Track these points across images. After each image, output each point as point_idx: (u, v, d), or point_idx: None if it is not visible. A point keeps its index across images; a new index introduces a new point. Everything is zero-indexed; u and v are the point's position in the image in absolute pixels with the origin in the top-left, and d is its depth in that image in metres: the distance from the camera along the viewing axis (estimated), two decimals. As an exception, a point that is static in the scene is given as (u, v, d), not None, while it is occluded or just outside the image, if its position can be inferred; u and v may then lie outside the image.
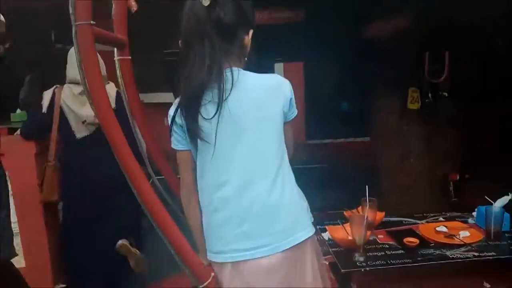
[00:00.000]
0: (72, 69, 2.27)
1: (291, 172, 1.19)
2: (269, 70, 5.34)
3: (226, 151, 1.09)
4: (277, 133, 1.13)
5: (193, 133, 1.06)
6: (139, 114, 1.59)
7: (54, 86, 2.37)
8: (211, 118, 1.04)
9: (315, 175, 3.41)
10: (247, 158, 1.09)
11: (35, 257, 2.40)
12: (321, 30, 2.89)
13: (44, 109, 2.32)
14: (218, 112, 1.03)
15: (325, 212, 2.10)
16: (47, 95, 2.35)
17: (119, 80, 1.53)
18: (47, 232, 2.42)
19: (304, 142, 4.99)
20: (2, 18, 1.82)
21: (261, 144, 1.10)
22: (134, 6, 1.91)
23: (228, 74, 1.06)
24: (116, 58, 1.48)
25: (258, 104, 1.09)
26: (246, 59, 1.16)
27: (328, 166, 4.15)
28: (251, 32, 1.13)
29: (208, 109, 1.05)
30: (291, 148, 1.21)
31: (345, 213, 2.03)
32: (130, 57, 1.54)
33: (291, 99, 1.15)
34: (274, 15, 3.01)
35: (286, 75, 5.59)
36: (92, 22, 1.04)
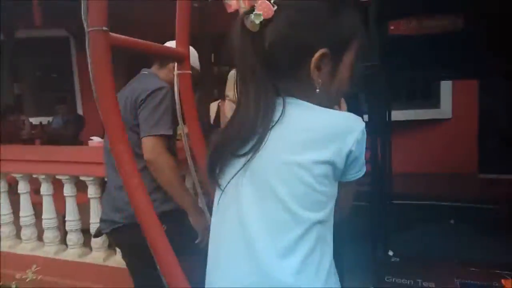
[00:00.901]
0: (230, 91, 2.39)
1: (327, 250, 0.79)
2: (435, 89, 4.70)
3: (229, 202, 0.82)
4: (307, 192, 0.75)
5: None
6: (196, 135, 1.42)
7: (218, 101, 2.57)
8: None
9: (484, 217, 2.98)
10: (255, 217, 0.78)
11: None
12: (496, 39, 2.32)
13: (212, 120, 2.56)
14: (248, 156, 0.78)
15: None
16: (213, 108, 2.58)
17: (176, 95, 1.41)
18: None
19: (475, 175, 4.19)
20: (197, 64, 1.89)
21: (276, 201, 0.76)
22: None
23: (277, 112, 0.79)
24: (175, 72, 1.38)
25: (292, 148, 0.77)
26: (327, 89, 0.83)
27: (502, 207, 3.38)
28: (323, 50, 0.79)
29: None
30: (345, 208, 0.88)
31: (503, 281, 1.50)
32: (190, 72, 1.38)
33: (350, 152, 0.76)
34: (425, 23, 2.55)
35: (455, 96, 4.85)
36: (105, 28, 0.93)
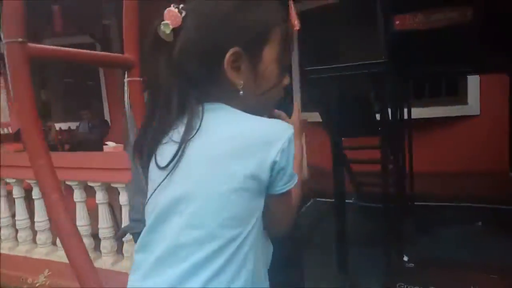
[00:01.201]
0: None
1: (244, 267, 0.71)
2: (462, 85, 4.47)
3: (160, 214, 0.75)
4: (224, 207, 0.70)
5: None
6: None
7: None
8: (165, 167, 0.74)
9: (515, 220, 2.76)
10: (179, 227, 0.72)
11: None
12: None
13: None
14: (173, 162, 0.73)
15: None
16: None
17: (126, 102, 1.31)
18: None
19: (506, 174, 3.93)
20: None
21: (197, 211, 0.71)
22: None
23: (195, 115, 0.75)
24: (126, 79, 1.27)
25: (211, 160, 0.72)
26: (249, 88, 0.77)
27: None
28: (234, 49, 0.73)
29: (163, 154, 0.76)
30: (279, 223, 0.80)
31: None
32: (140, 79, 1.30)
33: (275, 163, 0.70)
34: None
35: (483, 91, 4.60)
36: (21, 39, 0.88)
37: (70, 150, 5.60)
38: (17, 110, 0.89)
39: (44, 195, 0.95)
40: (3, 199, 2.91)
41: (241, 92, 0.75)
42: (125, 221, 2.45)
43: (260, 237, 0.75)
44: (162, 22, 0.73)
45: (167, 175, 0.72)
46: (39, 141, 0.93)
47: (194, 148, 0.72)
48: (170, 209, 0.71)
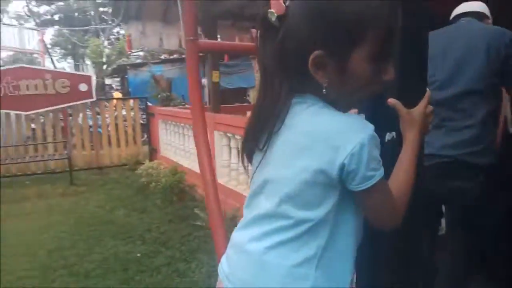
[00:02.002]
0: None
1: (315, 248, 0.78)
2: None
3: (255, 190, 0.88)
4: (300, 192, 0.78)
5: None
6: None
7: None
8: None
9: None
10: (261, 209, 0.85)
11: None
12: None
13: None
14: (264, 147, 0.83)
15: None
16: None
17: None
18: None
19: None
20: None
21: (275, 194, 0.81)
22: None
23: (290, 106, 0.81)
24: None
25: (290, 150, 0.80)
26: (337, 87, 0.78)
27: None
28: (317, 52, 0.75)
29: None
30: (375, 217, 0.81)
31: None
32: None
33: (343, 165, 0.73)
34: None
35: None
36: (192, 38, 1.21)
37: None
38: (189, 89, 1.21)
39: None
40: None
41: (324, 91, 0.77)
42: None
43: (342, 235, 0.79)
44: (268, 10, 0.78)
45: (261, 158, 0.84)
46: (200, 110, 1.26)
47: (279, 138, 0.80)
48: (260, 188, 0.85)
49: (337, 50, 0.75)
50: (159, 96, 8.31)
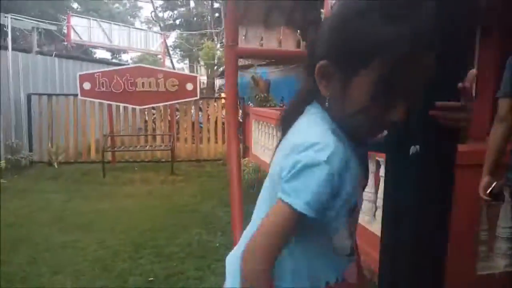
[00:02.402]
0: None
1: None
2: None
3: None
4: (268, 198, 0.85)
5: None
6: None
7: None
8: None
9: None
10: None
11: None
12: None
13: None
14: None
15: None
16: None
17: None
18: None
19: None
20: None
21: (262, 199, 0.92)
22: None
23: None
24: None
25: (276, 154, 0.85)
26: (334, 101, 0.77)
27: None
28: (322, 62, 0.75)
29: None
30: (252, 237, 0.77)
31: None
32: None
33: (283, 171, 0.74)
34: None
35: None
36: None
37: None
38: (226, 91, 1.28)
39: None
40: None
41: (327, 104, 0.77)
42: None
43: (313, 245, 0.82)
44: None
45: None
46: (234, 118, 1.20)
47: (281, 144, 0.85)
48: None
49: (342, 65, 0.72)
50: (257, 97, 8.58)
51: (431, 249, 0.80)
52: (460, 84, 0.76)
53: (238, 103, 8.34)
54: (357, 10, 0.70)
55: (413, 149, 0.76)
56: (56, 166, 7.08)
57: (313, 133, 0.74)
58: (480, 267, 2.45)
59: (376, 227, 3.24)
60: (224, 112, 8.02)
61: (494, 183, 1.97)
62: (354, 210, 0.81)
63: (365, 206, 3.36)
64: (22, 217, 4.54)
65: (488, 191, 1.97)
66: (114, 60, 22.22)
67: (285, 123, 0.83)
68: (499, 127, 1.98)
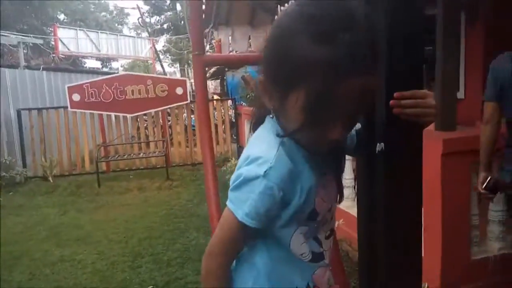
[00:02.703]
0: None
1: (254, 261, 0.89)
2: None
3: None
4: None
5: None
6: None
7: None
8: None
9: None
10: None
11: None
12: None
13: None
14: None
15: None
16: None
17: None
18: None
19: None
20: None
21: None
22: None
23: None
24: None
25: None
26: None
27: None
28: (259, 78, 0.79)
29: None
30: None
31: None
32: None
33: (232, 181, 0.79)
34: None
35: None
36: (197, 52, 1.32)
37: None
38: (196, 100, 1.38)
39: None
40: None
41: (272, 116, 0.79)
42: None
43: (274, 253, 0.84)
44: None
45: None
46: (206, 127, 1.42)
47: None
48: None
49: (275, 83, 0.73)
50: (248, 96, 8.58)
51: (405, 241, 0.81)
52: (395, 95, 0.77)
53: (232, 104, 8.38)
54: (287, 31, 0.69)
55: (378, 146, 0.77)
56: (51, 180, 7.06)
57: (259, 146, 0.78)
58: (474, 252, 2.46)
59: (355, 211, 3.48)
60: (216, 113, 8.04)
61: (489, 178, 2.10)
62: (315, 220, 0.83)
63: (345, 191, 3.56)
64: (19, 234, 4.53)
65: (484, 185, 2.11)
66: (104, 69, 22.16)
67: (253, 131, 0.85)
68: (486, 129, 2.11)
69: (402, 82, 0.76)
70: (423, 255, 2.47)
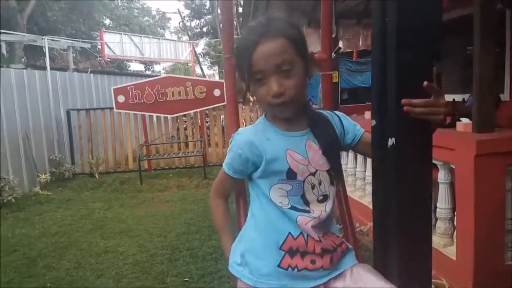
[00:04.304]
0: None
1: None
2: None
3: None
4: None
5: None
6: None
7: None
8: None
9: None
10: None
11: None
12: None
13: None
14: None
15: None
16: None
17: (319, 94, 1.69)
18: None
19: None
20: None
21: None
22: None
23: None
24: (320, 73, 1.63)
25: None
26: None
27: None
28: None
29: None
30: None
31: None
32: (331, 73, 1.66)
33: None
34: None
35: None
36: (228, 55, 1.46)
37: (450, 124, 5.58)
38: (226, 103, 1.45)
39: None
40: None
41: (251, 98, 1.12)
42: (441, 201, 2.59)
43: (264, 210, 1.14)
44: None
45: None
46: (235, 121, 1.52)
47: None
48: None
49: (239, 71, 1.17)
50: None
51: (417, 235, 0.87)
52: (425, 83, 0.83)
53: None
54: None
55: (390, 141, 0.84)
56: (97, 177, 7.46)
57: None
58: (508, 257, 2.42)
59: (366, 200, 3.87)
60: (252, 114, 8.16)
61: None
62: (295, 179, 1.09)
63: (357, 183, 4.07)
64: (67, 226, 4.85)
65: None
66: (147, 72, 22.94)
67: None
68: None
69: (412, 79, 0.82)
70: (455, 258, 2.45)
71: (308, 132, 1.14)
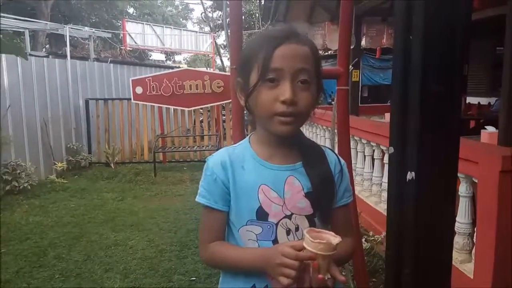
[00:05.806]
0: None
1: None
2: None
3: None
4: None
5: None
6: (346, 146, 1.66)
7: None
8: None
9: None
10: None
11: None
12: None
13: None
14: None
15: None
16: None
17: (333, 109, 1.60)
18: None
19: None
20: None
21: None
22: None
23: None
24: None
25: None
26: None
27: None
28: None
29: None
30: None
31: None
32: (347, 88, 1.58)
33: None
34: None
35: None
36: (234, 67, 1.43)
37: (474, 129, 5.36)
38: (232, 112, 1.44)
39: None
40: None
41: (245, 113, 0.94)
42: (461, 216, 2.47)
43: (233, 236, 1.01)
44: None
45: None
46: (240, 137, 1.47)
47: None
48: None
49: (242, 75, 0.99)
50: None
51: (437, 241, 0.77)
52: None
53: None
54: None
55: (409, 175, 0.73)
56: (112, 167, 7.51)
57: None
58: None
59: (382, 207, 3.73)
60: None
61: None
62: (266, 220, 0.95)
63: (373, 188, 3.99)
64: (80, 216, 4.88)
65: None
66: (168, 62, 23.04)
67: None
68: None
69: (435, 108, 0.72)
70: (472, 277, 2.32)
71: (296, 168, 0.98)
